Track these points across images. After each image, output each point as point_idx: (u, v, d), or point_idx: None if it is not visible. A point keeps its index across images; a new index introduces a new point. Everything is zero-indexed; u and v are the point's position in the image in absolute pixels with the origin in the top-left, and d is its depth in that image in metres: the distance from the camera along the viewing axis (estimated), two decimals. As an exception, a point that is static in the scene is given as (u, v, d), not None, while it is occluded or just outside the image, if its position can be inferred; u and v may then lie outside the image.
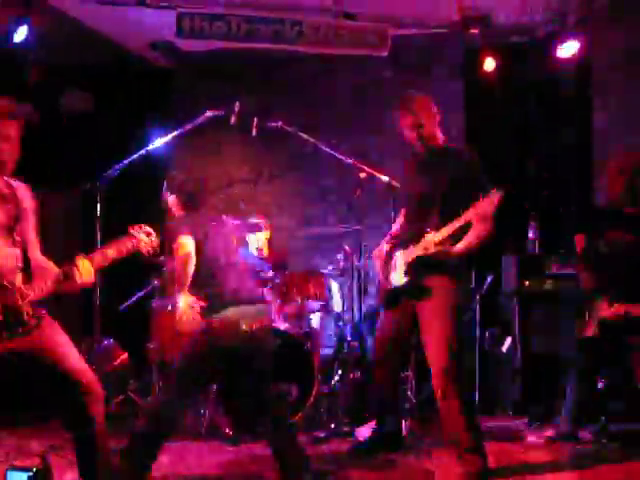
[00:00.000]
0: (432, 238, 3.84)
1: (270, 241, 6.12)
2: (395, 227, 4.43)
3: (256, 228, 5.98)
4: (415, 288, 3.97)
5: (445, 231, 3.81)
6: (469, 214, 3.72)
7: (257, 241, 6.07)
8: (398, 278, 4.08)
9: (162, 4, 5.67)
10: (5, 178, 3.17)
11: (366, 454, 4.33)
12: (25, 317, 2.96)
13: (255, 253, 6.09)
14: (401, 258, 4.07)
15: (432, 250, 3.84)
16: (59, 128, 6.43)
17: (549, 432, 4.63)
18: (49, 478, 3.09)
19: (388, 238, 4.31)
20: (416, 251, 3.93)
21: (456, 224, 3.77)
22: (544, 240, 5.71)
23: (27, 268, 3.16)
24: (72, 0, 5.63)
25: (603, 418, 4.69)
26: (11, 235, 3.08)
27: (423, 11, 5.93)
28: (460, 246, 3.83)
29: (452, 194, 3.91)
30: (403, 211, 4.38)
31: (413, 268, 3.97)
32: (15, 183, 3.21)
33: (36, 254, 3.21)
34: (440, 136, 4.13)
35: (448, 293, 3.92)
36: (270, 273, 5.48)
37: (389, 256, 4.18)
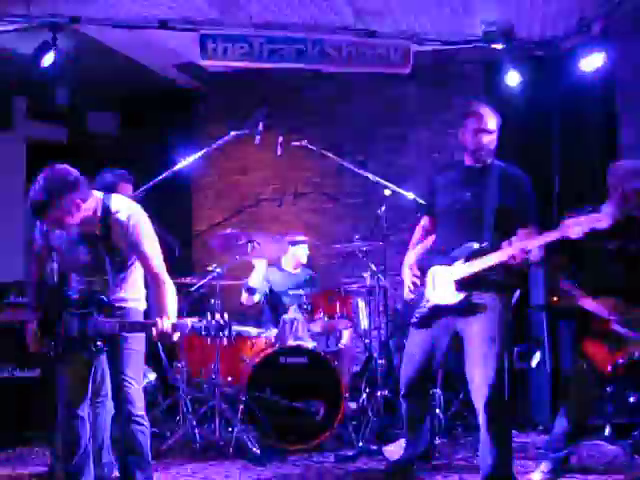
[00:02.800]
0: (493, 257, 3.64)
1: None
2: (419, 239, 4.20)
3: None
4: (469, 305, 3.78)
5: (507, 251, 3.59)
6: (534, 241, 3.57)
7: (299, 256, 6.04)
8: (445, 295, 3.83)
9: (185, 26, 5.73)
10: None
11: (402, 473, 4.22)
12: None
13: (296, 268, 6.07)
14: (445, 274, 3.83)
15: (491, 267, 3.66)
16: (86, 148, 6.50)
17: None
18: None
19: (420, 253, 4.09)
20: (472, 268, 3.71)
21: (520, 245, 3.56)
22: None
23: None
24: (96, 24, 5.69)
25: (636, 433, 4.62)
26: None
27: (445, 27, 5.93)
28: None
29: (504, 213, 3.81)
30: (431, 221, 4.16)
31: (466, 285, 3.76)
32: None
33: None
34: None
35: (499, 311, 3.79)
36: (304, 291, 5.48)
37: (422, 272, 3.97)
